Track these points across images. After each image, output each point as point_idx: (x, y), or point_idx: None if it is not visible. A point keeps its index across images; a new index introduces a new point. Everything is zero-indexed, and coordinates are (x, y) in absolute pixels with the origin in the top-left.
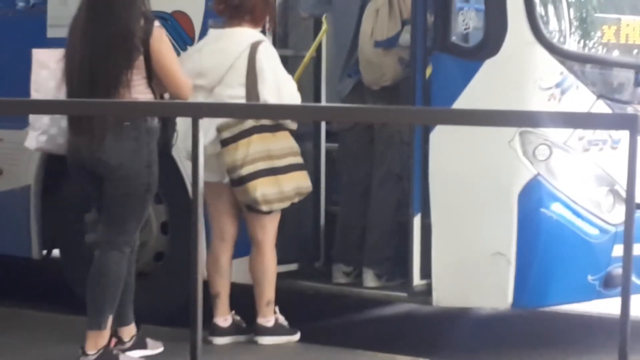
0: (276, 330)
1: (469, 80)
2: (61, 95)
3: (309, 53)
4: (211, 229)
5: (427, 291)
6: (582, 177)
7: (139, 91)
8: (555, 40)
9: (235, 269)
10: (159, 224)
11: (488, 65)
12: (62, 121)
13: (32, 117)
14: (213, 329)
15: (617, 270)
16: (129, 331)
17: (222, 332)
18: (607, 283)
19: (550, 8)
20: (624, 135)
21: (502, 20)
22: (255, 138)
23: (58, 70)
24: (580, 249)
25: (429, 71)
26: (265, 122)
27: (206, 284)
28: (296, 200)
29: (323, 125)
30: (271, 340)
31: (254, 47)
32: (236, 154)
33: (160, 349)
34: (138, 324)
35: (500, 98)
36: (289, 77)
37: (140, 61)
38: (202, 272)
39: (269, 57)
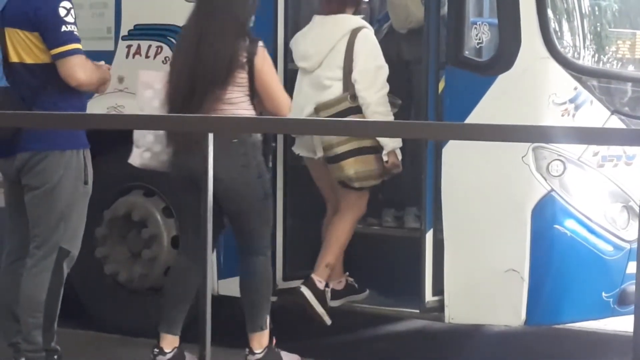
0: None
1: (482, 95)
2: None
3: None
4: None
5: (440, 308)
6: (596, 193)
7: (243, 107)
8: (569, 55)
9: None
10: (170, 238)
11: (501, 80)
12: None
13: (136, 135)
14: (331, 294)
15: (632, 287)
16: (172, 342)
17: (338, 294)
18: (622, 300)
19: (564, 23)
20: (638, 150)
21: (516, 35)
22: (351, 118)
23: (162, 91)
24: (594, 265)
25: (441, 85)
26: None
27: (214, 299)
28: (385, 177)
29: None
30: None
31: (354, 33)
32: None
33: None
34: (182, 337)
35: (513, 113)
36: (384, 65)
37: (244, 79)
38: (211, 286)
39: (366, 43)
